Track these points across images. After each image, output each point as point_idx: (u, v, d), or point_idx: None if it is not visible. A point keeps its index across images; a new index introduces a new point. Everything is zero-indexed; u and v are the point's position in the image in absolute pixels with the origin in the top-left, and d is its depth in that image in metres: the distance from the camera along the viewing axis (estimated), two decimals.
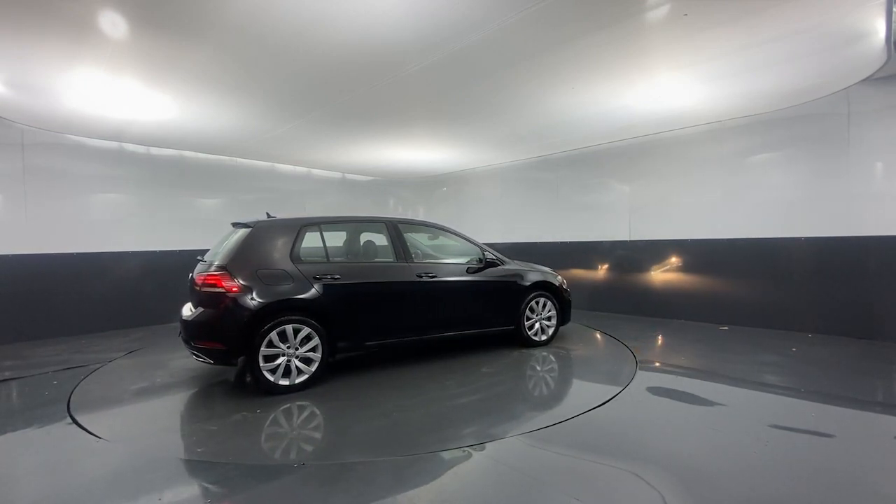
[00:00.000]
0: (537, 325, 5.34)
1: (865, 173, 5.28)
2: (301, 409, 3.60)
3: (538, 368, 4.64)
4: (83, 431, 3.18)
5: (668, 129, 6.76)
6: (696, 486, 2.34)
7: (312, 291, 4.00)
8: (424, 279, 4.64)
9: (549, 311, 5.41)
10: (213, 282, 3.81)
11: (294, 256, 4.08)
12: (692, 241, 6.71)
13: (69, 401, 3.79)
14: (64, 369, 4.74)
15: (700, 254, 6.66)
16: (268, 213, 4.70)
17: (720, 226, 6.42)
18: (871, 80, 4.93)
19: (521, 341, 5.28)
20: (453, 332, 4.91)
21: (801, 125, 5.71)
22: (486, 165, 9.55)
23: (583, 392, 3.99)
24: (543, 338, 5.37)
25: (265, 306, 3.79)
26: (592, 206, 7.95)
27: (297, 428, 3.29)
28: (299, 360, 3.92)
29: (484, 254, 5.13)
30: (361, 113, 5.66)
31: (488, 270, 5.08)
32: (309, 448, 2.98)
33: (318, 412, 3.56)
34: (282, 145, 7.22)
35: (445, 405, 3.63)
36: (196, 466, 2.69)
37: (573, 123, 6.33)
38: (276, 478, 2.52)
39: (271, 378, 3.79)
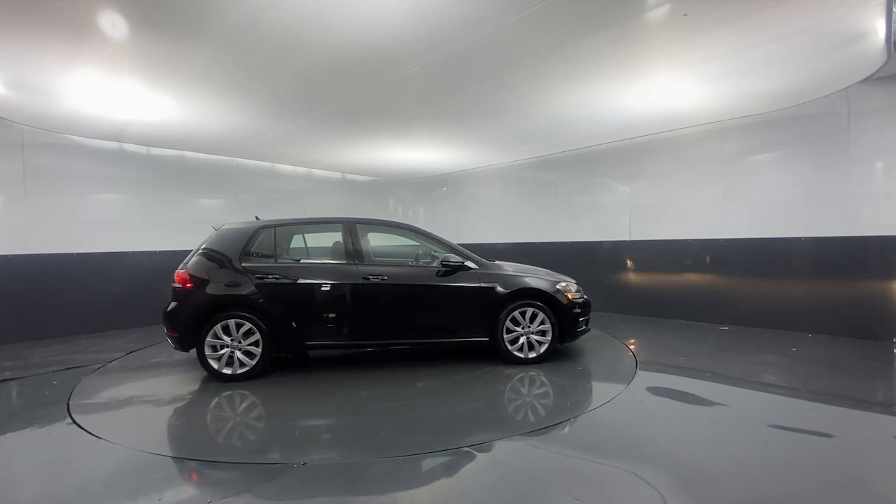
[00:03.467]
0: (523, 340, 4.56)
1: (865, 173, 5.28)
2: (212, 397, 3.83)
3: (499, 390, 3.90)
4: (83, 431, 3.19)
5: (668, 129, 6.76)
6: (696, 486, 2.34)
7: (251, 290, 4.29)
8: (372, 282, 4.39)
9: (542, 323, 4.60)
10: (176, 278, 4.39)
11: (243, 257, 4.41)
12: (692, 241, 6.71)
13: (69, 401, 3.79)
14: (64, 369, 4.74)
15: (700, 254, 6.66)
16: (256, 217, 4.91)
17: (720, 226, 6.42)
18: (871, 80, 4.94)
19: (502, 357, 4.59)
20: (406, 341, 4.62)
21: (801, 125, 5.71)
22: (486, 165, 9.55)
23: (583, 392, 3.98)
24: (532, 355, 4.56)
25: (209, 301, 4.25)
26: (592, 206, 7.95)
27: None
28: (242, 353, 4.28)
29: (447, 255, 4.58)
30: (362, 113, 5.66)
31: (458, 274, 4.54)
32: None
33: (197, 405, 3.71)
34: (282, 145, 7.22)
35: (332, 420, 3.41)
36: (196, 466, 2.69)
37: (573, 123, 6.33)
38: (277, 477, 2.52)
39: (215, 366, 4.24)
